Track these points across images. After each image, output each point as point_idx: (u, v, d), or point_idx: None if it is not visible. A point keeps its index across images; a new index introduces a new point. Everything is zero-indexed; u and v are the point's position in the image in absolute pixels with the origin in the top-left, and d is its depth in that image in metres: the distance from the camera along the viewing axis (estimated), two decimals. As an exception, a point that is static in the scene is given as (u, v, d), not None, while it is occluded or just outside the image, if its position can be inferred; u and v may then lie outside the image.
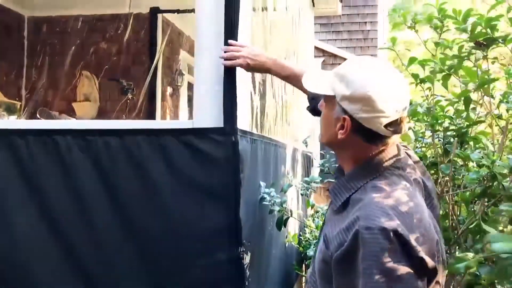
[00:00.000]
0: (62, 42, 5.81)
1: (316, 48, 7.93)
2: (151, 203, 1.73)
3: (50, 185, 1.79)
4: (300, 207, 3.73)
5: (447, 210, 1.51)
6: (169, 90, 6.35)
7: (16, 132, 1.84)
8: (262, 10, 2.65)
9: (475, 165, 1.42)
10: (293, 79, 1.64)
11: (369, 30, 9.51)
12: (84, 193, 1.78)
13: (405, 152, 1.22)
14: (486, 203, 1.40)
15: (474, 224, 1.36)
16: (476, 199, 1.41)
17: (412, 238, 0.98)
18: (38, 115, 4.23)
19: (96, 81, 6.12)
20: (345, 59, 8.61)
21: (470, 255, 0.80)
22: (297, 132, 3.94)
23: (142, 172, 1.74)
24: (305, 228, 3.20)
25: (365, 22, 9.48)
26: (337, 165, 1.30)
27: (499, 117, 1.74)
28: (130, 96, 5.70)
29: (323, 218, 1.34)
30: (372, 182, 1.10)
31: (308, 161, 4.71)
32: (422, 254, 0.98)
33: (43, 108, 5.02)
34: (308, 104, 1.60)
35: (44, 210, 1.79)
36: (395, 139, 1.15)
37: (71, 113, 5.91)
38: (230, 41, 1.70)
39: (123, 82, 5.76)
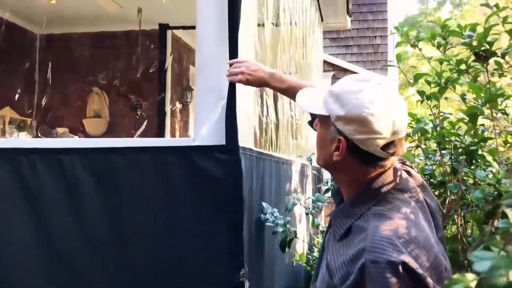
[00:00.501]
0: (73, 59, 5.87)
1: (326, 62, 7.92)
2: (153, 222, 1.70)
3: (53, 204, 1.77)
4: (310, 225, 3.67)
5: (456, 231, 1.45)
6: (178, 106, 6.36)
7: (20, 151, 1.82)
8: (273, 25, 2.63)
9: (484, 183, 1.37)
10: (291, 93, 1.60)
11: (379, 44, 9.48)
12: (86, 211, 1.75)
13: (406, 172, 1.16)
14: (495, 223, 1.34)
15: (483, 245, 1.29)
16: (487, 218, 1.35)
17: (420, 269, 0.93)
18: (38, 133, 4.24)
19: (106, 97, 6.17)
20: (354, 73, 8.60)
21: (470, 276, 0.75)
22: (307, 147, 3.89)
23: (144, 191, 1.71)
24: (314, 247, 3.13)
25: (375, 36, 9.45)
26: (334, 187, 1.25)
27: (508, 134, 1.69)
28: (139, 112, 5.73)
29: (322, 241, 1.28)
30: (374, 208, 1.05)
31: (318, 177, 4.65)
32: (431, 284, 0.93)
33: (43, 126, 5.04)
34: (310, 119, 1.56)
35: (46, 229, 1.76)
36: (393, 161, 1.10)
37: (81, 129, 5.95)
38: (230, 61, 1.67)
39: (132, 98, 5.79)
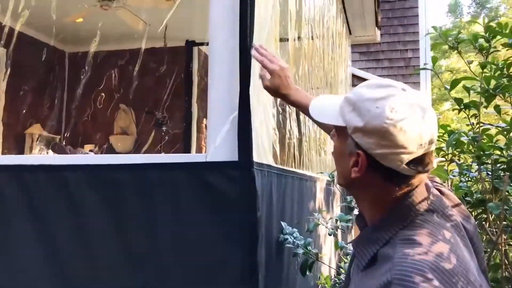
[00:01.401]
0: (100, 76, 5.91)
1: (355, 76, 7.74)
2: (160, 243, 1.57)
3: (58, 222, 1.68)
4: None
5: (498, 258, 1.27)
6: (205, 121, 6.31)
7: (26, 168, 1.75)
8: (294, 40, 2.52)
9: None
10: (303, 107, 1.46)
11: (410, 58, 9.23)
12: (92, 231, 1.65)
13: (439, 190, 1.00)
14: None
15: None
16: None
17: None
18: (51, 149, 4.24)
19: (133, 114, 6.18)
20: (386, 87, 8.31)
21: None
22: (332, 164, 3.73)
23: (152, 210, 1.60)
24: (341, 269, 2.95)
25: (406, 50, 9.21)
26: (357, 210, 1.09)
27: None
28: (164, 129, 5.69)
29: (348, 268, 1.12)
30: (402, 232, 0.89)
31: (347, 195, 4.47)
32: None
33: (56, 142, 5.06)
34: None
35: (50, 249, 1.67)
36: (422, 177, 0.94)
37: (108, 146, 5.96)
38: (257, 47, 1.52)
39: (158, 115, 5.76)
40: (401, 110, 0.89)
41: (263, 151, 1.70)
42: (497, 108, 1.54)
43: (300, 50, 2.70)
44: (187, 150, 5.89)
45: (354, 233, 4.11)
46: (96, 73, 5.89)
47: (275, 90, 1.50)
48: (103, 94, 5.92)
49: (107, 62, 5.91)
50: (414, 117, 0.89)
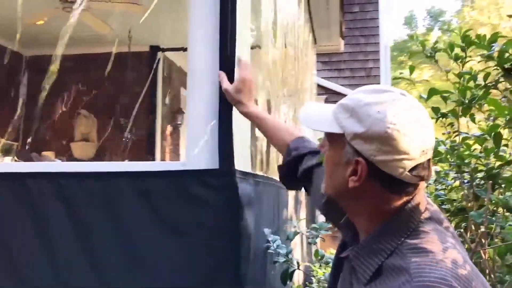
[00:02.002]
0: (61, 81, 5.72)
1: (318, 85, 7.85)
2: (135, 258, 1.50)
3: (19, 234, 1.58)
4: (305, 252, 3.49)
5: (479, 266, 1.29)
6: (169, 129, 6.21)
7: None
8: (269, 47, 2.51)
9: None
10: (259, 119, 1.45)
11: (371, 68, 9.45)
12: (58, 246, 1.56)
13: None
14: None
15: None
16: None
17: None
18: (15, 157, 4.06)
19: (94, 120, 6.01)
20: (348, 96, 8.49)
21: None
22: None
23: (124, 222, 1.52)
24: (312, 278, 2.95)
25: (367, 60, 9.43)
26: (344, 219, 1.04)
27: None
28: (128, 136, 5.57)
29: (330, 283, 1.09)
30: (407, 242, 0.86)
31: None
32: None
33: (21, 149, 4.86)
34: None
35: (13, 265, 1.57)
36: (421, 186, 0.91)
37: (68, 153, 5.77)
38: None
39: (122, 121, 5.63)
40: (404, 115, 0.87)
41: (243, 158, 1.67)
42: (472, 117, 1.58)
43: (271, 58, 2.70)
44: (151, 157, 5.78)
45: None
46: (57, 77, 5.68)
47: (233, 96, 1.48)
48: (64, 99, 5.73)
49: (69, 67, 5.72)
50: (416, 123, 0.87)
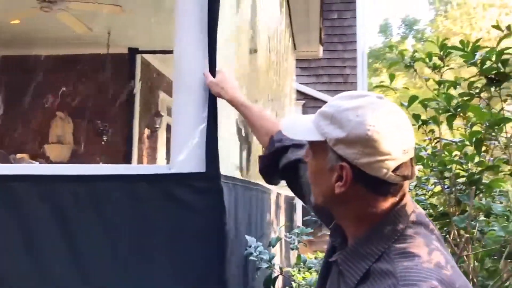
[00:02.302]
0: (37, 82, 5.61)
1: (297, 91, 7.90)
2: (121, 263, 1.48)
3: (3, 237, 1.55)
4: (283, 257, 3.50)
5: (463, 269, 1.32)
6: (146, 132, 6.16)
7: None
8: (250, 52, 2.52)
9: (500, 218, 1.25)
10: (244, 107, 1.48)
11: (348, 74, 9.57)
12: (44, 250, 1.53)
13: None
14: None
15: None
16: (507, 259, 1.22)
17: None
18: None
19: (70, 122, 5.91)
20: (325, 102, 8.58)
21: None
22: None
23: (112, 225, 1.51)
24: (292, 282, 2.96)
25: (345, 66, 9.55)
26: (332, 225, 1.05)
27: (506, 162, 1.59)
28: (105, 138, 5.49)
29: (320, 285, 1.10)
30: (394, 246, 0.88)
31: (291, 207, 4.50)
32: None
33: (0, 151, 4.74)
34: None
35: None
36: (405, 189, 0.93)
37: (42, 155, 5.65)
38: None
39: (99, 124, 5.55)
40: (382, 116, 0.89)
41: (229, 163, 1.67)
42: (450, 125, 1.62)
43: (254, 63, 2.71)
44: (128, 160, 5.71)
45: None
46: (32, 78, 5.58)
47: (217, 85, 1.52)
48: (39, 100, 5.61)
49: (45, 67, 5.62)
50: (395, 123, 0.89)
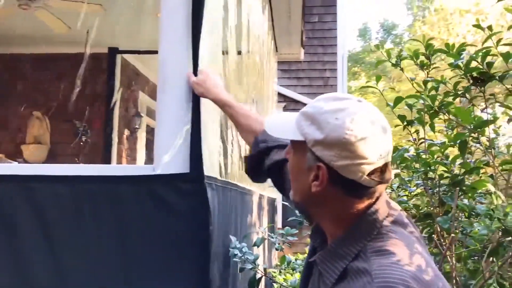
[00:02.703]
0: (14, 81, 5.49)
1: (278, 93, 7.92)
2: (104, 264, 1.45)
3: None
4: (266, 257, 3.50)
5: (446, 269, 1.34)
6: (126, 132, 6.08)
7: None
8: (238, 53, 2.51)
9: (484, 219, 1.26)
10: (228, 106, 1.48)
11: (328, 77, 9.64)
12: (25, 251, 1.49)
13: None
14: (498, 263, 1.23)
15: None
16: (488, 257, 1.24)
17: None
18: None
19: (47, 122, 5.80)
20: (305, 104, 8.63)
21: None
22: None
23: (95, 226, 1.47)
24: (274, 284, 2.95)
25: (325, 69, 9.61)
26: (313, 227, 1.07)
27: (486, 164, 1.62)
28: (84, 139, 5.41)
29: (303, 285, 1.10)
30: (370, 244, 0.90)
31: (273, 208, 4.50)
32: None
33: None
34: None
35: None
36: (382, 190, 0.95)
37: (19, 156, 5.53)
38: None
39: (77, 124, 5.47)
40: (361, 121, 0.90)
41: (211, 164, 1.66)
42: (432, 126, 1.64)
43: (239, 64, 2.70)
44: (107, 161, 5.64)
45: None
46: (8, 77, 5.47)
47: (200, 85, 1.51)
48: (16, 100, 5.50)
49: (23, 66, 5.51)
50: (373, 128, 0.91)
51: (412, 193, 1.76)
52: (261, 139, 1.38)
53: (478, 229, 1.16)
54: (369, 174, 0.90)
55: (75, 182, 1.50)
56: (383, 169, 0.91)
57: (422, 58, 1.53)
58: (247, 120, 1.46)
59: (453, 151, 1.58)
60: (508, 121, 1.62)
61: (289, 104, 8.82)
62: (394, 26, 28.42)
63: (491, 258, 1.24)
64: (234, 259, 1.69)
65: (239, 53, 2.48)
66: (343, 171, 0.89)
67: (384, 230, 0.92)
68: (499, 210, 1.09)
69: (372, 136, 0.90)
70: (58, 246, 1.47)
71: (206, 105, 1.60)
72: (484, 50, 1.28)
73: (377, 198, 0.94)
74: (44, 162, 5.68)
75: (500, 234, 1.12)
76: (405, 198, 1.73)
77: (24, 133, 5.69)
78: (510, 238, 1.12)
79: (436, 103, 1.41)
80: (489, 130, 1.37)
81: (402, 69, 1.60)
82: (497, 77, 1.29)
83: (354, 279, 0.86)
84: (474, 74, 1.30)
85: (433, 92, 1.55)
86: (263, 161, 1.37)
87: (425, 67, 1.50)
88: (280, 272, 3.31)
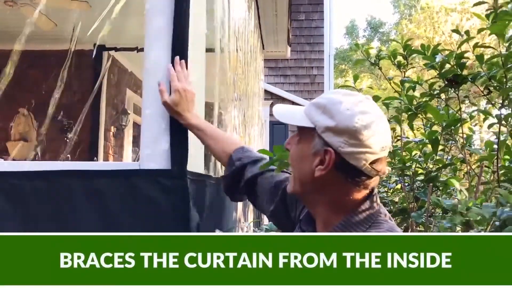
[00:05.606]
0: (-2, 77, 5.46)
1: (265, 91, 7.96)
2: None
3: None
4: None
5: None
6: (113, 129, 6.08)
7: None
8: (221, 51, 2.54)
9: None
10: (200, 130, 1.48)
11: (315, 75, 9.71)
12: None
13: None
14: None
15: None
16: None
17: None
18: None
19: (33, 119, 5.77)
20: (292, 102, 8.73)
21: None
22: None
23: (74, 223, 1.49)
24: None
25: (312, 67, 9.68)
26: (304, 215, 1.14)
27: (462, 161, 1.67)
28: (69, 136, 5.40)
29: None
30: (370, 230, 0.99)
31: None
32: None
33: None
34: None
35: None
36: (375, 184, 1.04)
37: (5, 153, 5.50)
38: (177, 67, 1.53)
39: (64, 121, 5.45)
40: (368, 114, 0.99)
41: (196, 159, 1.68)
42: (411, 124, 1.69)
43: (224, 62, 2.73)
44: (93, 158, 5.63)
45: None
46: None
47: (172, 108, 1.48)
48: (1, 97, 5.46)
49: (6, 63, 5.47)
50: (379, 121, 1.00)
51: (391, 189, 1.81)
52: (235, 157, 1.43)
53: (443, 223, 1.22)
54: (371, 163, 0.98)
55: (57, 177, 1.51)
56: (382, 161, 1.00)
57: (399, 58, 1.58)
58: (219, 143, 1.49)
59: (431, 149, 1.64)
60: (484, 119, 1.68)
61: (276, 101, 8.86)
62: (381, 24, 28.61)
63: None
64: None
65: (223, 50, 2.51)
66: (349, 157, 0.98)
67: (380, 218, 1.01)
68: (462, 205, 1.15)
69: (378, 129, 0.99)
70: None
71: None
72: (457, 52, 1.34)
73: (371, 190, 1.03)
74: (30, 159, 5.66)
75: (463, 228, 1.18)
76: (384, 194, 1.78)
77: (10, 130, 5.67)
78: (472, 231, 1.18)
79: (414, 104, 1.46)
80: (462, 129, 1.42)
81: (380, 68, 1.65)
82: (469, 79, 1.34)
83: None
84: (449, 77, 1.35)
85: (410, 92, 1.60)
86: (239, 179, 1.42)
87: (402, 67, 1.55)
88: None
